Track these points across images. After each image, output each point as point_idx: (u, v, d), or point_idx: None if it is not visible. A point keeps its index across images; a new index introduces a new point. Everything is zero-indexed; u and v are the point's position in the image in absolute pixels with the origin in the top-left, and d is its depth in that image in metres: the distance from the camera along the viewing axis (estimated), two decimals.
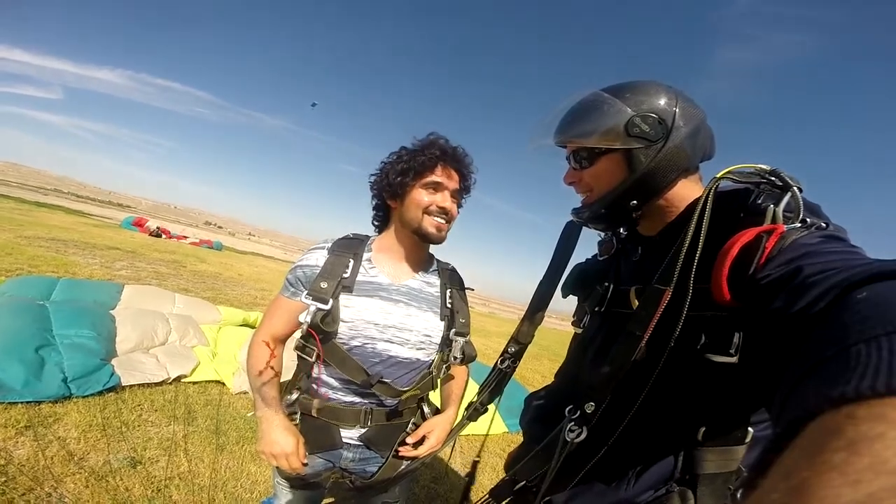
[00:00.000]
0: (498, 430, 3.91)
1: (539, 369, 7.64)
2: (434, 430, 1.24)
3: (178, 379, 3.36)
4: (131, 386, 3.04)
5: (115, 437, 2.45)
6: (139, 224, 20.11)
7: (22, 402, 2.47)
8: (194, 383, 3.42)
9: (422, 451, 1.20)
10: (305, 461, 1.10)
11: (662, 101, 0.74)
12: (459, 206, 1.27)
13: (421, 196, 1.16)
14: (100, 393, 2.82)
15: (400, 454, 1.20)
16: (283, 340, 1.24)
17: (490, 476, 3.17)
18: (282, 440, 1.07)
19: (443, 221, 1.18)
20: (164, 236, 19.81)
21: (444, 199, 1.17)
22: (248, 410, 3.20)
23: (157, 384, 3.20)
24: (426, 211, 1.16)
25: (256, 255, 27.26)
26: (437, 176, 1.16)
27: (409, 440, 1.21)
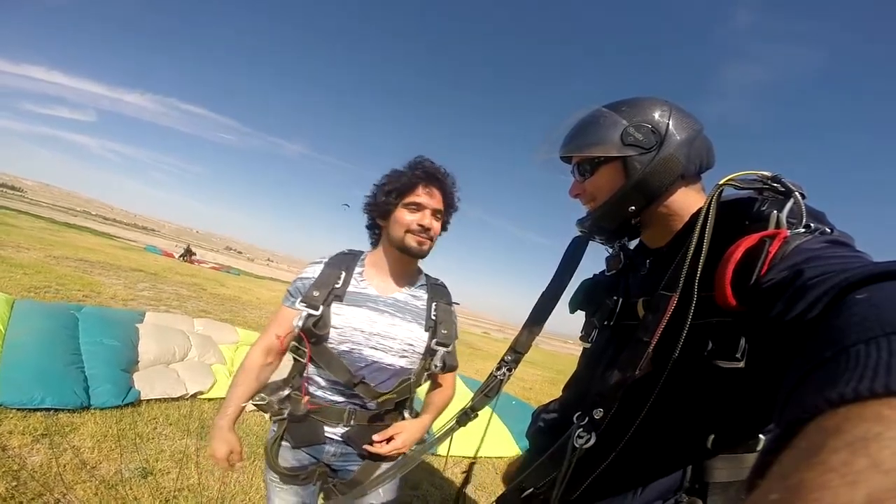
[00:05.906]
0: (511, 452, 3.83)
1: (557, 395, 7.46)
2: (402, 433, 1.28)
3: (195, 395, 3.41)
4: (148, 400, 3.09)
5: (129, 449, 2.47)
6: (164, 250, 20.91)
7: (41, 410, 2.51)
8: (210, 400, 3.46)
9: (385, 449, 1.24)
10: (237, 465, 1.28)
11: (657, 113, 0.78)
12: (445, 222, 1.35)
13: (404, 216, 1.25)
14: (118, 406, 2.86)
15: (367, 451, 1.26)
16: (282, 347, 1.31)
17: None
18: (217, 447, 1.22)
19: (424, 238, 1.26)
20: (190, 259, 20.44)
21: (423, 218, 1.25)
22: (259, 427, 3.21)
23: (173, 399, 3.24)
24: (408, 230, 1.24)
25: (274, 280, 27.65)
26: (418, 196, 1.25)
27: (377, 437, 1.25)
